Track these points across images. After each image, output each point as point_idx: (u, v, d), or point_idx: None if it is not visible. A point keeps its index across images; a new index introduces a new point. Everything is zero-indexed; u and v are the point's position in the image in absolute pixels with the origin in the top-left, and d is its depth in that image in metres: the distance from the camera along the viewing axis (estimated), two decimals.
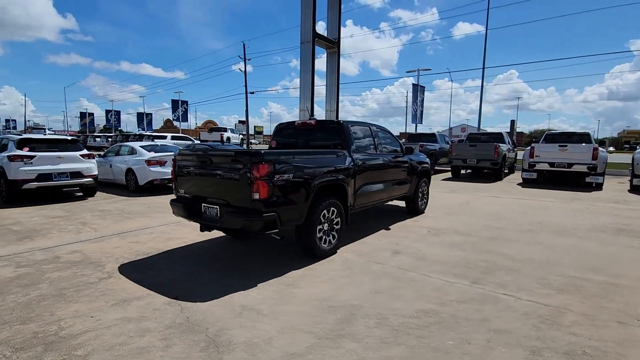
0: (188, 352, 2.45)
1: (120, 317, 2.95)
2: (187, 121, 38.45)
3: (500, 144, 13.08)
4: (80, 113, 54.45)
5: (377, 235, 5.60)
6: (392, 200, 6.62)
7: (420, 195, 7.06)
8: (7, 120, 70.83)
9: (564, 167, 10.92)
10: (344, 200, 4.77)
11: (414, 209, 7.00)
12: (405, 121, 58.82)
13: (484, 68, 24.66)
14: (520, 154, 15.35)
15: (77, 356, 2.41)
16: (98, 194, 9.75)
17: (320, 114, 17.73)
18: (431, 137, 16.23)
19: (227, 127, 31.18)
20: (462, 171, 15.19)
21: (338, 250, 4.76)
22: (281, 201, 3.82)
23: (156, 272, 3.99)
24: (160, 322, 2.86)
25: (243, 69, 31.34)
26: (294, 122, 5.70)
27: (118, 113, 47.99)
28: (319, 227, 4.33)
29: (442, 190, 10.68)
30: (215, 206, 4.02)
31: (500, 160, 12.78)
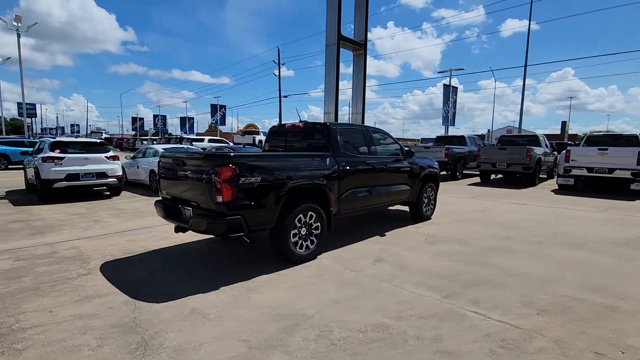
0: (115, 353, 2.47)
1: (75, 314, 3.05)
2: (224, 124, 40.16)
3: (534, 147, 12.13)
4: (132, 118, 58.91)
5: (369, 241, 5.38)
6: (391, 205, 6.35)
7: (424, 200, 6.70)
8: (72, 125, 78.19)
9: (604, 172, 9.87)
10: (326, 204, 4.63)
11: (418, 214, 6.66)
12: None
13: (525, 65, 23.17)
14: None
15: (15, 349, 2.51)
16: (124, 193, 10.33)
17: (343, 117, 17.41)
18: (460, 140, 15.45)
19: (260, 130, 32.10)
20: (493, 176, 14.30)
21: (320, 256, 4.62)
22: (247, 204, 3.77)
23: (132, 271, 4.11)
24: (108, 321, 2.92)
25: (279, 74, 31.97)
26: (285, 124, 5.65)
27: (164, 117, 51.38)
28: (294, 231, 4.23)
29: (462, 196, 10.10)
30: (189, 208, 4.07)
31: (533, 165, 11.85)
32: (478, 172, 14.15)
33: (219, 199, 3.62)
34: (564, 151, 10.95)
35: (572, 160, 10.44)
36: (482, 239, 5.49)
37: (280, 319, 2.98)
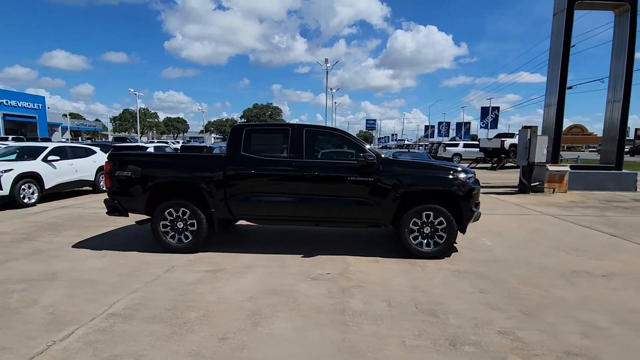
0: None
1: (31, 249, 5.42)
2: (496, 127, 35.27)
3: None
4: (425, 126, 64.36)
5: (267, 256, 4.64)
6: (349, 223, 4.91)
7: (415, 229, 4.54)
8: (392, 134, 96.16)
9: None
10: (205, 204, 4.72)
11: (405, 246, 4.62)
12: None
13: None
14: None
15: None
16: None
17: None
18: None
19: (515, 133, 26.42)
20: None
21: (208, 253, 4.76)
22: (121, 192, 4.83)
23: (129, 232, 6.14)
24: (40, 247, 5.06)
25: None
26: None
27: (448, 124, 52.15)
28: (163, 222, 4.75)
29: None
30: None
31: None
32: None
33: (105, 185, 4.95)
34: None
35: None
36: (389, 298, 3.36)
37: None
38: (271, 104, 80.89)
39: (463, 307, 3.22)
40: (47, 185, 8.93)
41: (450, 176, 4.58)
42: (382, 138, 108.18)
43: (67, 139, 49.32)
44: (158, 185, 4.76)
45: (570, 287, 3.73)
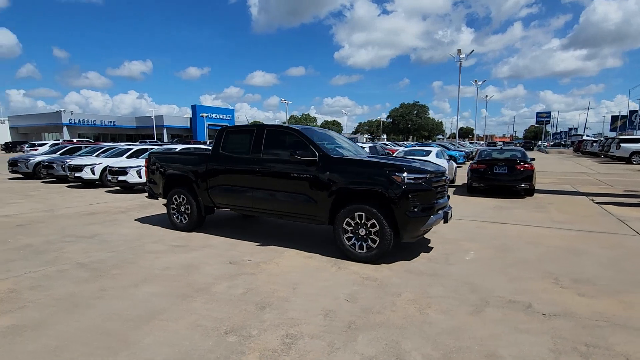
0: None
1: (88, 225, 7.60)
2: None
3: None
4: (612, 117, 49.11)
5: (230, 241, 5.32)
6: (295, 217, 5.01)
7: (348, 229, 4.37)
8: (570, 129, 78.08)
9: None
10: (194, 193, 5.78)
11: (338, 246, 4.51)
12: None
13: None
14: None
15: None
16: None
17: None
18: None
19: None
20: None
21: (197, 233, 5.88)
22: (152, 181, 6.42)
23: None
24: (109, 215, 7.23)
25: None
26: None
27: None
28: (172, 206, 6.08)
29: None
30: None
31: None
32: None
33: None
34: None
35: None
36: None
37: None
38: (418, 102, 78.39)
39: (298, 309, 3.16)
40: None
41: (382, 175, 4.21)
42: (559, 133, 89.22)
43: None
44: (168, 176, 6.14)
45: (466, 316, 3.02)
